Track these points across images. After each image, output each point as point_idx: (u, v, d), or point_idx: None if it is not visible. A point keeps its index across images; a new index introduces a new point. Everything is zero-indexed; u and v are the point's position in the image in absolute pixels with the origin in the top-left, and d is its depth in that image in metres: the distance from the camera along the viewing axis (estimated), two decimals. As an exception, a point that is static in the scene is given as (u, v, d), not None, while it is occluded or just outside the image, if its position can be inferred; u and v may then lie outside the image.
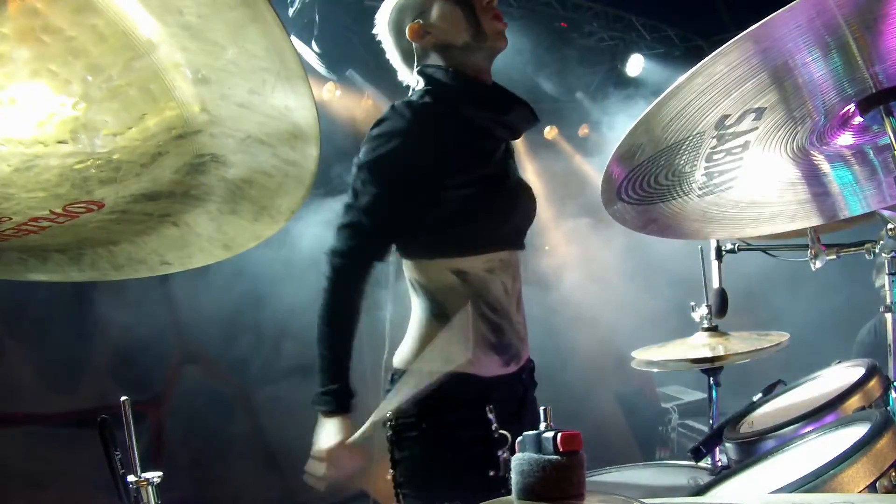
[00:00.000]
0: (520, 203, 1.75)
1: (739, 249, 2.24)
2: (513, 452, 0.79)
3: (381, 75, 4.47)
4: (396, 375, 1.69)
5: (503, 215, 1.68)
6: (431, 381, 1.48)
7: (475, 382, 1.62)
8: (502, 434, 1.59)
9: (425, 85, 1.69)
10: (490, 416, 1.61)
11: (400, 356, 1.71)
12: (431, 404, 1.59)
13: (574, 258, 6.06)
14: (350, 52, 4.55)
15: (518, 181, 1.77)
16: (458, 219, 1.62)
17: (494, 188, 1.66)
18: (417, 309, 1.70)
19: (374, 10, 1.79)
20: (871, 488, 1.10)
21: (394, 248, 1.70)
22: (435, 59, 1.70)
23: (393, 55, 1.79)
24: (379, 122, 1.63)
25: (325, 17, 4.31)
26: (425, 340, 1.66)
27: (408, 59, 1.77)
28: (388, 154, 1.58)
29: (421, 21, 1.67)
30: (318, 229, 3.20)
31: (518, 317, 1.71)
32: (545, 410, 0.79)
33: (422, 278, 1.67)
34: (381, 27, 1.76)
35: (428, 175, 1.60)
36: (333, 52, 4.55)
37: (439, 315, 1.65)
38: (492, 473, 1.57)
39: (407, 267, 1.71)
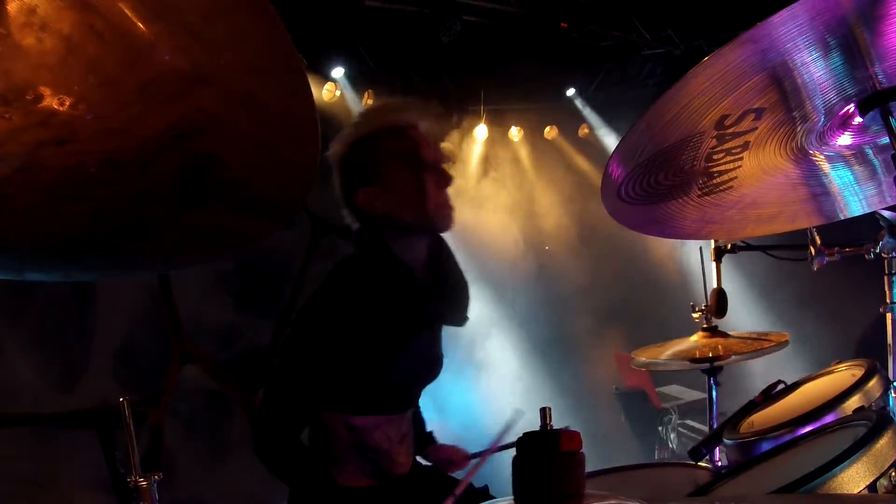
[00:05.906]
0: (422, 374, 1.72)
1: (739, 249, 2.23)
2: None
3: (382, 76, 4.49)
4: None
5: (401, 385, 1.66)
6: None
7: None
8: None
9: (359, 249, 1.66)
10: None
11: None
12: None
13: (574, 258, 6.06)
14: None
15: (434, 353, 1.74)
16: (361, 381, 1.59)
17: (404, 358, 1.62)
18: None
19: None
20: (871, 488, 1.11)
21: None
22: (372, 228, 1.63)
23: (337, 186, 1.67)
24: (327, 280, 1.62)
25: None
26: None
27: (347, 197, 1.66)
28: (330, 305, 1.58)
29: (369, 186, 1.59)
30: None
31: (401, 451, 1.67)
32: (544, 410, 0.79)
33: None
34: (333, 155, 1.65)
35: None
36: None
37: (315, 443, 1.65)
38: None
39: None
